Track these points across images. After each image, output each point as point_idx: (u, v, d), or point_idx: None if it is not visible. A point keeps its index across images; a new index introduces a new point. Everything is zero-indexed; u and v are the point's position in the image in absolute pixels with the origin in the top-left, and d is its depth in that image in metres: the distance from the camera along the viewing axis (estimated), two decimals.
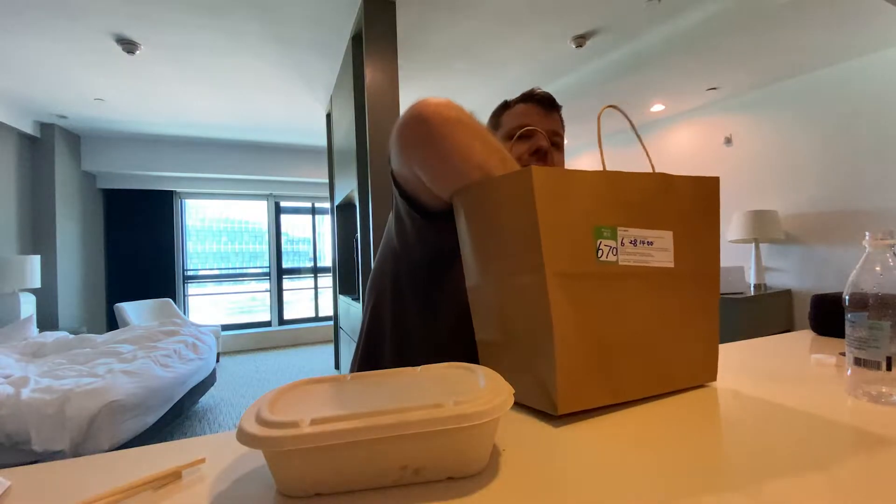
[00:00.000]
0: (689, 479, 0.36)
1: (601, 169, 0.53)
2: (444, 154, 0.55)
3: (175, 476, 0.40)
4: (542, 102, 0.88)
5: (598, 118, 0.55)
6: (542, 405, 0.50)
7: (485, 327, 0.60)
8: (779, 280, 3.27)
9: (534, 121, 0.86)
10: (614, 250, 0.51)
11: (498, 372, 0.53)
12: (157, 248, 4.95)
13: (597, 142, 4.29)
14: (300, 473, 0.36)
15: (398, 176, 0.64)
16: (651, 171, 0.58)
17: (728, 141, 3.56)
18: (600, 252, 0.51)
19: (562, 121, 0.92)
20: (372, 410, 0.36)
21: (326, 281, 5.86)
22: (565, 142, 0.95)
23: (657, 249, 0.54)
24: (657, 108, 3.76)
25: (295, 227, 5.79)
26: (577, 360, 0.49)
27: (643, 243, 0.53)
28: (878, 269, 0.54)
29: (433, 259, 0.70)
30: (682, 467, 0.38)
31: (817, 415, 0.51)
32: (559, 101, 0.93)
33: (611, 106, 0.60)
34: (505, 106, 0.91)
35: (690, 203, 0.58)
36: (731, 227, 3.21)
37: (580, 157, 5.03)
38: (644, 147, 0.61)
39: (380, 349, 0.75)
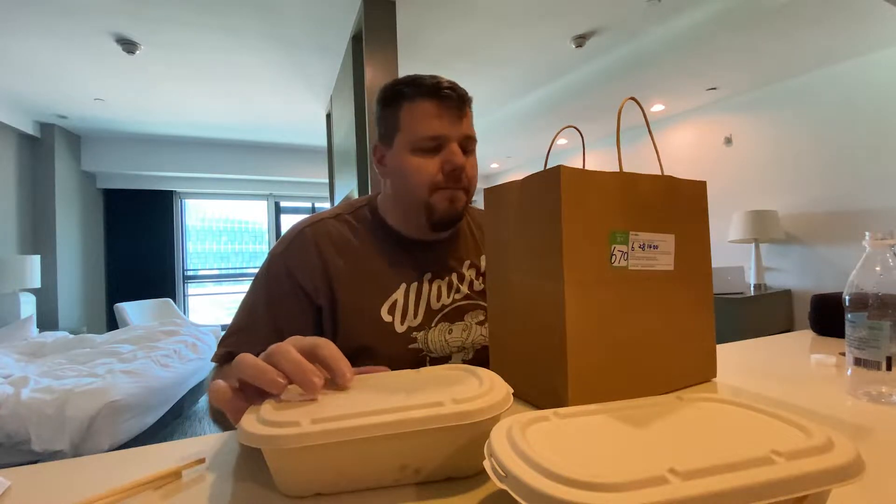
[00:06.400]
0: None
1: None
2: None
3: (175, 476, 0.40)
4: (455, 101, 0.70)
5: (619, 113, 0.54)
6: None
7: (499, 324, 0.61)
8: (779, 280, 3.27)
9: (445, 126, 0.69)
10: (626, 255, 0.52)
11: (508, 370, 0.53)
12: (157, 248, 4.94)
13: (596, 142, 4.30)
14: (300, 473, 0.36)
15: None
16: (660, 172, 0.58)
17: (728, 141, 3.56)
18: (613, 258, 0.51)
19: (471, 113, 0.76)
20: (372, 409, 0.36)
21: None
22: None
23: (661, 253, 0.55)
24: (657, 108, 3.76)
25: None
26: (588, 368, 0.50)
27: (650, 247, 0.54)
28: (878, 269, 0.54)
29: None
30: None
31: (818, 415, 0.51)
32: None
33: (631, 98, 0.60)
34: (399, 95, 0.72)
35: (687, 205, 0.59)
36: (731, 227, 3.20)
37: (578, 157, 5.03)
38: (656, 148, 0.62)
39: None
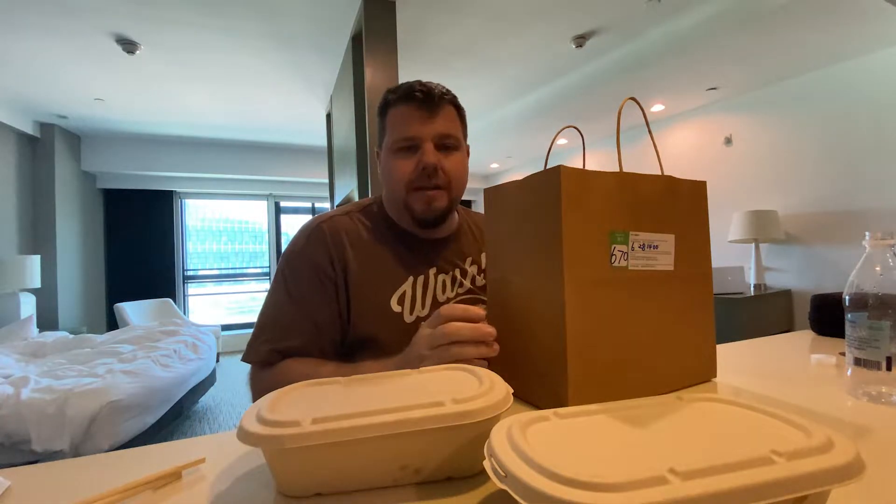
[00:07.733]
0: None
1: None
2: None
3: (175, 476, 0.40)
4: (424, 103, 0.74)
5: (619, 113, 0.54)
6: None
7: (500, 322, 0.61)
8: (779, 280, 3.27)
9: (415, 127, 0.74)
10: (625, 255, 0.52)
11: (508, 370, 0.53)
12: (157, 248, 4.94)
13: (596, 142, 4.29)
14: (301, 473, 0.36)
15: None
16: (660, 172, 0.58)
17: (728, 141, 3.56)
18: (613, 258, 0.51)
19: (458, 111, 0.79)
20: (372, 409, 0.36)
21: None
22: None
23: (661, 253, 0.55)
24: (657, 108, 3.76)
25: (295, 227, 5.77)
26: (588, 367, 0.50)
27: (650, 247, 0.54)
28: (878, 269, 0.54)
29: None
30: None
31: (818, 415, 0.51)
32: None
33: (631, 98, 0.60)
34: (387, 103, 0.78)
35: (687, 205, 0.59)
36: (731, 227, 3.20)
37: (578, 157, 5.03)
38: (656, 148, 0.62)
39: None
